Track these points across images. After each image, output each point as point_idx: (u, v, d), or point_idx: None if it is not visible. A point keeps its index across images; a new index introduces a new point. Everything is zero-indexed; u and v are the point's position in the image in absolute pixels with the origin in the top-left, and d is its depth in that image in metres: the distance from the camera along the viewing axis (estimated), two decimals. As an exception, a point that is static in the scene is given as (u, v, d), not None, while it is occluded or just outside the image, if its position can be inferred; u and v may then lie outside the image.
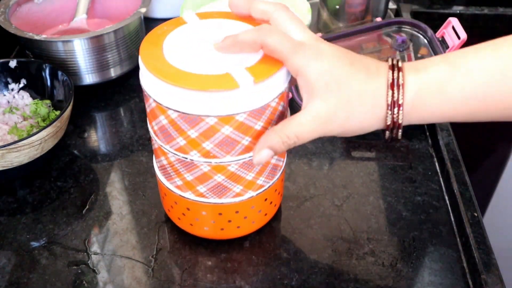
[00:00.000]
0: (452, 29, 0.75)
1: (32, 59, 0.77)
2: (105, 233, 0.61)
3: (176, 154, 0.50)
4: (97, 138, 0.76)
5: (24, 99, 0.74)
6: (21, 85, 0.75)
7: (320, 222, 0.62)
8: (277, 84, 0.47)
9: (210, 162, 0.49)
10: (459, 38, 0.74)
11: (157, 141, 0.51)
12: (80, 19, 0.85)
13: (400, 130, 0.46)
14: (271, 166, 0.53)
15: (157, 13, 0.99)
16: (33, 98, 0.75)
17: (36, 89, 0.75)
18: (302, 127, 0.45)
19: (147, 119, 0.52)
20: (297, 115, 0.45)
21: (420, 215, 0.64)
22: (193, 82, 0.44)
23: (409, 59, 0.80)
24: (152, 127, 0.51)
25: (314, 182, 0.67)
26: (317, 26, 0.96)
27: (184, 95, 0.44)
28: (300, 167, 0.70)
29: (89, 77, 0.79)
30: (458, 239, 0.60)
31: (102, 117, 0.79)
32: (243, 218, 0.56)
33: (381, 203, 0.65)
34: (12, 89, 0.75)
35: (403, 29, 0.82)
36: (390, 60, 0.46)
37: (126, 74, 0.84)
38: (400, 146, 0.73)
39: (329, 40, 0.83)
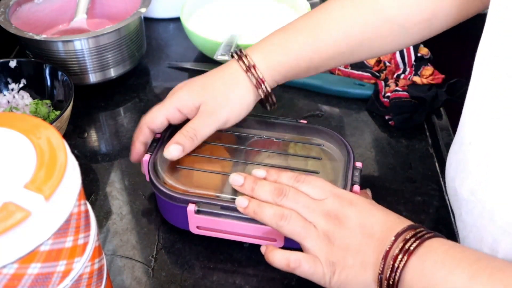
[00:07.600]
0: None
1: (32, 59, 0.77)
2: (105, 233, 0.61)
3: None
4: (97, 138, 0.76)
5: (24, 99, 0.74)
6: (21, 85, 0.75)
7: (320, 222, 0.62)
8: (71, 185, 0.38)
9: None
10: (459, 38, 0.74)
11: None
12: (80, 19, 0.85)
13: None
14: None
15: (157, 13, 0.99)
16: (33, 98, 0.75)
17: (36, 89, 0.75)
18: (195, 121, 0.58)
19: None
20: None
21: (420, 215, 0.64)
22: None
23: (409, 59, 0.80)
24: None
25: (314, 182, 0.67)
26: (317, 26, 0.96)
27: None
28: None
29: (89, 77, 0.79)
30: (458, 239, 0.60)
31: (102, 117, 0.79)
32: None
33: (381, 203, 0.65)
34: (12, 89, 0.75)
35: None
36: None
37: (126, 74, 0.84)
38: (400, 146, 0.73)
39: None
